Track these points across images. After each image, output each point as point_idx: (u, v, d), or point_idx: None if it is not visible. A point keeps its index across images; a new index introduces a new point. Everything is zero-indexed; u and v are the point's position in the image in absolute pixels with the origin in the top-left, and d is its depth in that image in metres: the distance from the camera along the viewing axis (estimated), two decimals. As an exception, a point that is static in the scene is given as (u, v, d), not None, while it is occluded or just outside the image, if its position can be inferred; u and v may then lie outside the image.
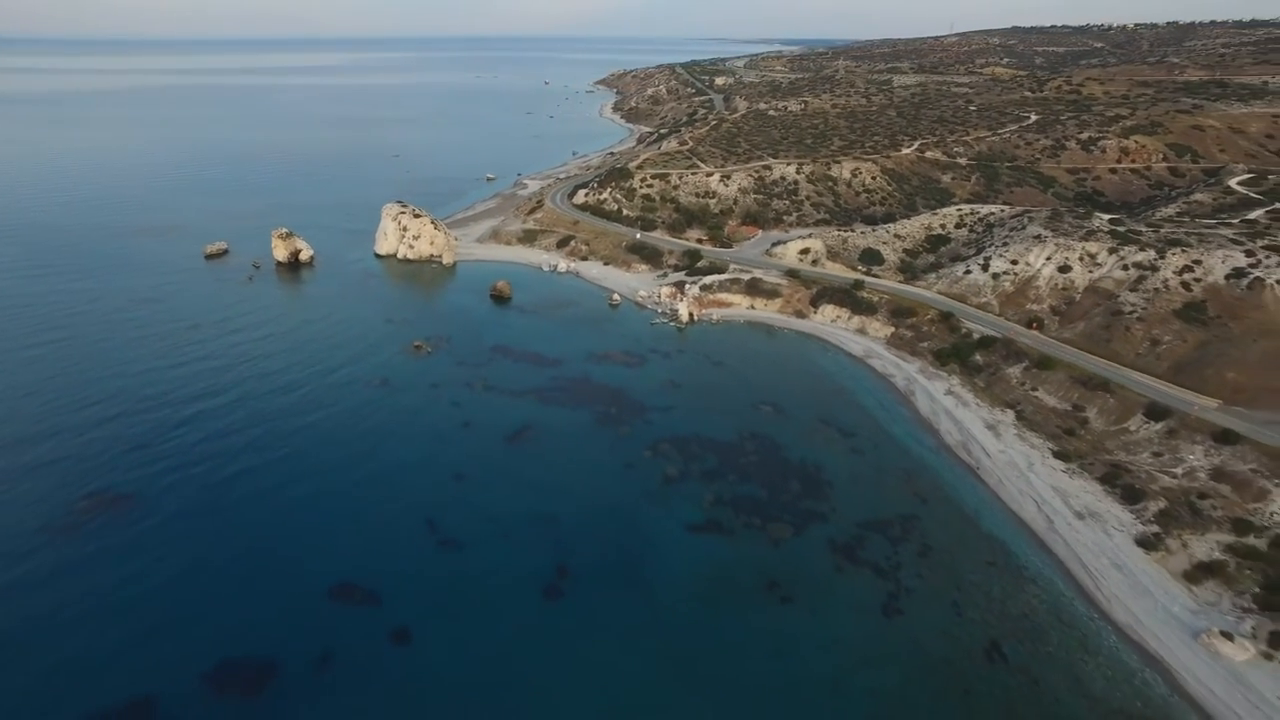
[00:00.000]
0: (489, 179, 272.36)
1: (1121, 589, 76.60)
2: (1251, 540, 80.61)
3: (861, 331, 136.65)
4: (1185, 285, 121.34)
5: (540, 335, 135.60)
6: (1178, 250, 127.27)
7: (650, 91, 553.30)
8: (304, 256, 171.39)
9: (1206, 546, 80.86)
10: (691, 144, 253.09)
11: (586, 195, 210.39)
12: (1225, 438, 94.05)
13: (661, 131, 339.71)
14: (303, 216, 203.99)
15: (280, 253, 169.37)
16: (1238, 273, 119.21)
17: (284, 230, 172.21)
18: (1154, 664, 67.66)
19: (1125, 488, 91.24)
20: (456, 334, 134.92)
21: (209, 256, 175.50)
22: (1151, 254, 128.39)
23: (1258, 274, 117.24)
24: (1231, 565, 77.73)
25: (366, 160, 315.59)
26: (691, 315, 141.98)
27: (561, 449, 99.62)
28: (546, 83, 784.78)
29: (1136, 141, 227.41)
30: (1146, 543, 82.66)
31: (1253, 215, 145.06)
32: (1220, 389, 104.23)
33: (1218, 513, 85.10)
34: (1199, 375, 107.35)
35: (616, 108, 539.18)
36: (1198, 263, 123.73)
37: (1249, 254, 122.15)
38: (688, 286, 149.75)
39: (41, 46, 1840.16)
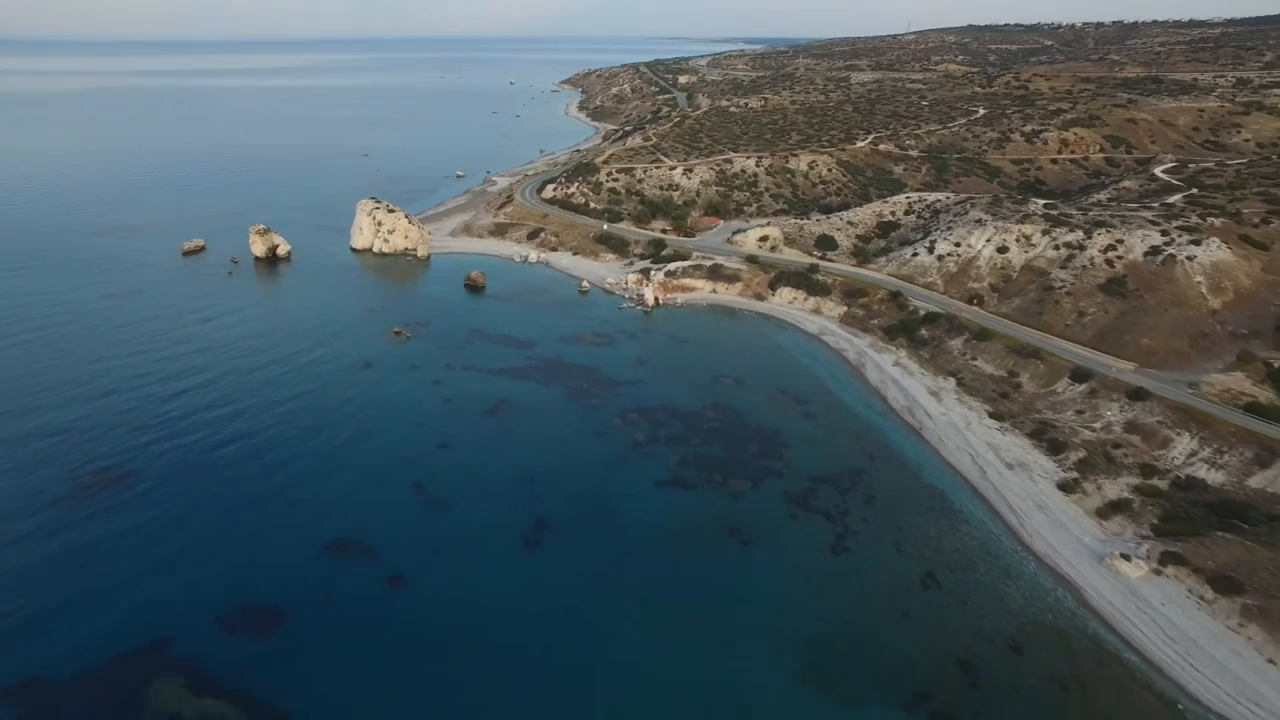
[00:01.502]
0: (459, 176, 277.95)
1: (1042, 526, 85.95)
2: (1155, 481, 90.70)
3: (816, 311, 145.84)
4: (1109, 262, 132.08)
5: (514, 320, 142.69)
6: (1103, 231, 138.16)
7: (615, 90, 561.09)
8: (281, 251, 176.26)
9: (1117, 488, 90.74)
10: (656, 140, 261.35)
11: (555, 189, 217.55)
12: (1137, 395, 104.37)
13: (626, 129, 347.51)
14: (276, 214, 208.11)
15: (258, 248, 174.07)
16: (1154, 250, 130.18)
17: (261, 226, 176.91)
18: (1065, 584, 76.93)
19: (1050, 441, 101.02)
20: (434, 320, 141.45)
21: (186, 253, 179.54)
22: (1080, 235, 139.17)
23: (1171, 251, 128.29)
24: (1136, 503, 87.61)
25: (336, 160, 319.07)
26: (657, 299, 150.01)
27: (537, 420, 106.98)
28: (511, 82, 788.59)
29: (1076, 134, 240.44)
30: (1066, 487, 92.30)
31: (1171, 200, 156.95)
32: (1136, 353, 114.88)
33: (1128, 459, 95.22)
34: (1118, 342, 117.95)
35: (582, 106, 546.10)
36: (1120, 242, 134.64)
37: (1164, 234, 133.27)
38: (653, 273, 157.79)
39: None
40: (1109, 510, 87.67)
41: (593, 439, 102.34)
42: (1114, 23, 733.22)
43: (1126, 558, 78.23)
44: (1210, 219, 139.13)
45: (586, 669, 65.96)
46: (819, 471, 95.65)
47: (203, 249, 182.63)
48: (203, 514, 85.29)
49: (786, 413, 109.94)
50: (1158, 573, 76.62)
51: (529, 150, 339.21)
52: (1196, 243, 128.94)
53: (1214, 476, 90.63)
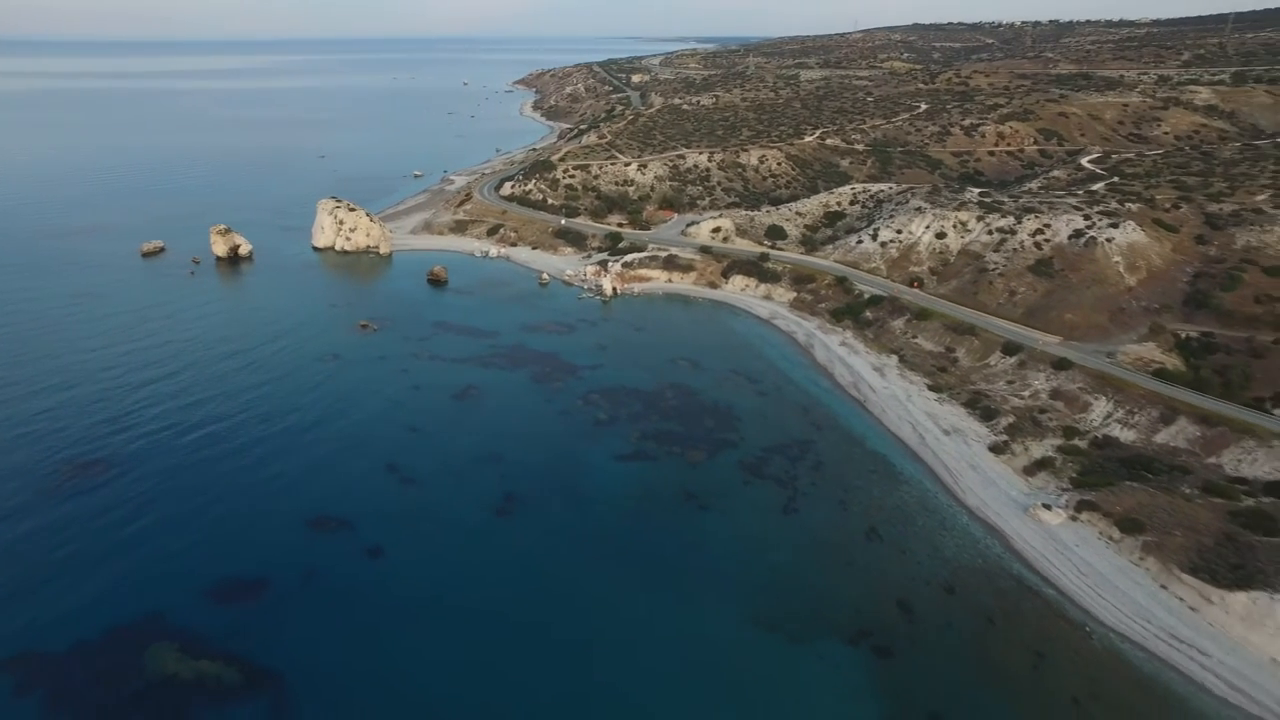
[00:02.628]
0: (416, 176, 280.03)
1: (974, 483, 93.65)
2: (1075, 441, 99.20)
3: (768, 297, 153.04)
4: (1037, 245, 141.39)
5: (477, 312, 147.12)
6: (1032, 216, 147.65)
7: (569, 90, 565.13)
8: (243, 251, 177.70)
9: (1042, 449, 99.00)
10: (610, 137, 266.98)
11: (513, 187, 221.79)
12: (1061, 365, 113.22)
13: (581, 127, 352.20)
14: (235, 216, 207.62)
15: (220, 248, 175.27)
16: (1077, 234, 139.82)
17: (222, 226, 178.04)
18: (994, 533, 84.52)
19: (984, 409, 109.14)
20: (399, 314, 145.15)
21: (146, 254, 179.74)
22: (1011, 220, 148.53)
23: (1092, 234, 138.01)
24: (1058, 460, 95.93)
25: (291, 161, 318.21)
26: (615, 289, 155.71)
27: (503, 403, 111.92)
28: (465, 83, 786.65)
29: (1011, 127, 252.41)
30: (996, 449, 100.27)
31: (1095, 187, 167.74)
32: (1060, 328, 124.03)
33: (1052, 423, 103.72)
34: (1045, 318, 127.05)
35: (536, 106, 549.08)
36: (1048, 226, 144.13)
37: (1086, 218, 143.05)
38: (611, 264, 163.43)
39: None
40: (1034, 468, 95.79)
41: (557, 419, 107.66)
42: (1051, 22, 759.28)
43: (1048, 507, 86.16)
44: (1128, 204, 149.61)
45: (557, 622, 71.18)
46: (770, 442, 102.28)
47: (162, 250, 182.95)
48: (183, 494, 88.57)
49: (740, 391, 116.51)
50: (1074, 519, 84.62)
51: (485, 150, 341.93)
52: (1115, 226, 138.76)
53: (1126, 435, 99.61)
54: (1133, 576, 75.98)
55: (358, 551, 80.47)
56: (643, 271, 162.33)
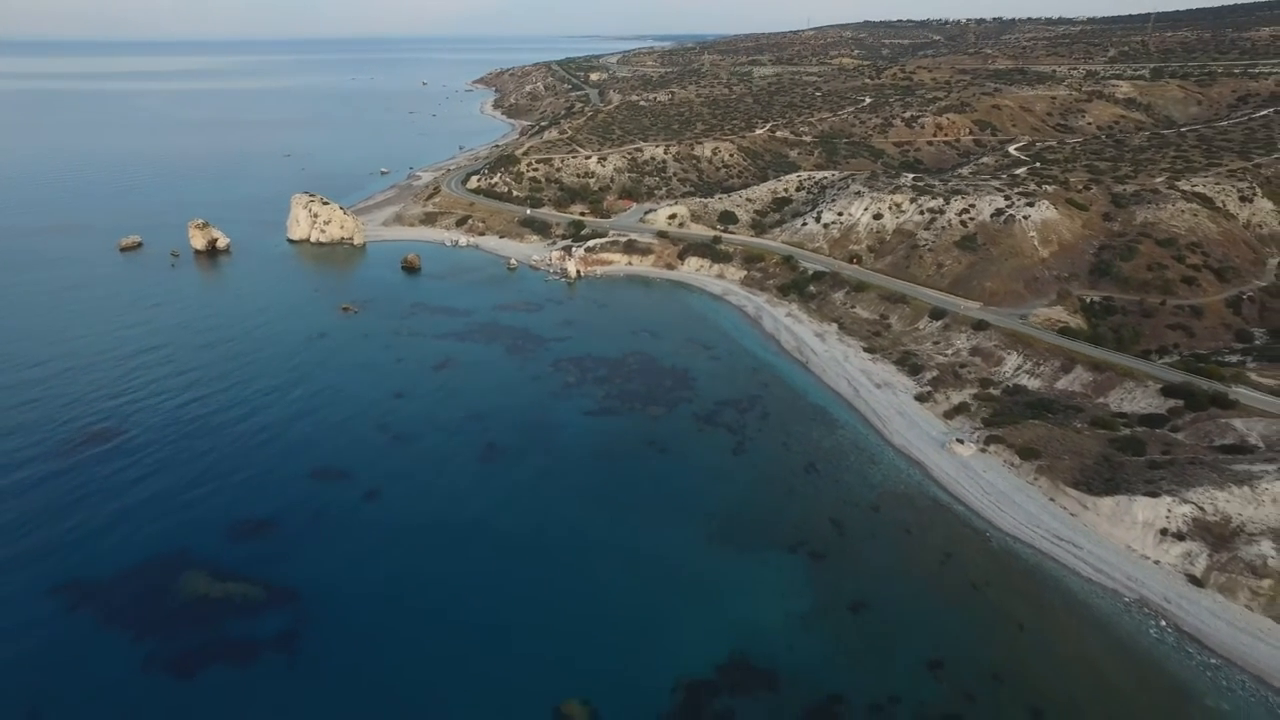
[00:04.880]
0: (383, 173, 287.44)
1: (901, 426, 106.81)
2: (990, 390, 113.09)
3: (720, 276, 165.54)
4: (963, 223, 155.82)
5: (451, 294, 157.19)
6: (959, 198, 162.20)
7: (529, 88, 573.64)
8: (221, 244, 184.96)
9: (961, 396, 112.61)
10: (571, 133, 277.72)
11: (479, 180, 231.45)
12: (980, 326, 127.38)
13: (543, 124, 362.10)
14: (207, 213, 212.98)
15: (198, 241, 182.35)
16: (999, 212, 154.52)
17: (200, 221, 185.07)
18: (916, 465, 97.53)
19: (912, 366, 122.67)
20: (378, 297, 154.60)
21: (124, 249, 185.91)
22: (941, 201, 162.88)
23: (1011, 212, 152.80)
24: (974, 406, 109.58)
25: (257, 160, 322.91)
26: (579, 272, 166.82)
27: (480, 371, 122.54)
28: (424, 83, 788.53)
29: (949, 119, 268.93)
30: (921, 398, 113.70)
31: (1018, 171, 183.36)
32: (981, 295, 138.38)
33: (971, 375, 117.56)
34: (968, 286, 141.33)
35: (497, 105, 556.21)
36: (973, 206, 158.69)
37: (1007, 199, 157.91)
38: (575, 249, 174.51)
39: None
40: (953, 412, 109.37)
41: (530, 383, 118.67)
42: (995, 19, 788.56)
43: (961, 442, 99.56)
44: (1045, 186, 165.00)
45: (537, 545, 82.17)
46: (722, 398, 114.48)
47: (140, 245, 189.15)
48: (195, 454, 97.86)
49: (695, 356, 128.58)
50: (983, 451, 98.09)
51: (448, 147, 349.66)
52: (1031, 205, 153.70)
53: (1032, 383, 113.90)
54: (1028, 493, 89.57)
55: (358, 495, 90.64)
56: (605, 255, 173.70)
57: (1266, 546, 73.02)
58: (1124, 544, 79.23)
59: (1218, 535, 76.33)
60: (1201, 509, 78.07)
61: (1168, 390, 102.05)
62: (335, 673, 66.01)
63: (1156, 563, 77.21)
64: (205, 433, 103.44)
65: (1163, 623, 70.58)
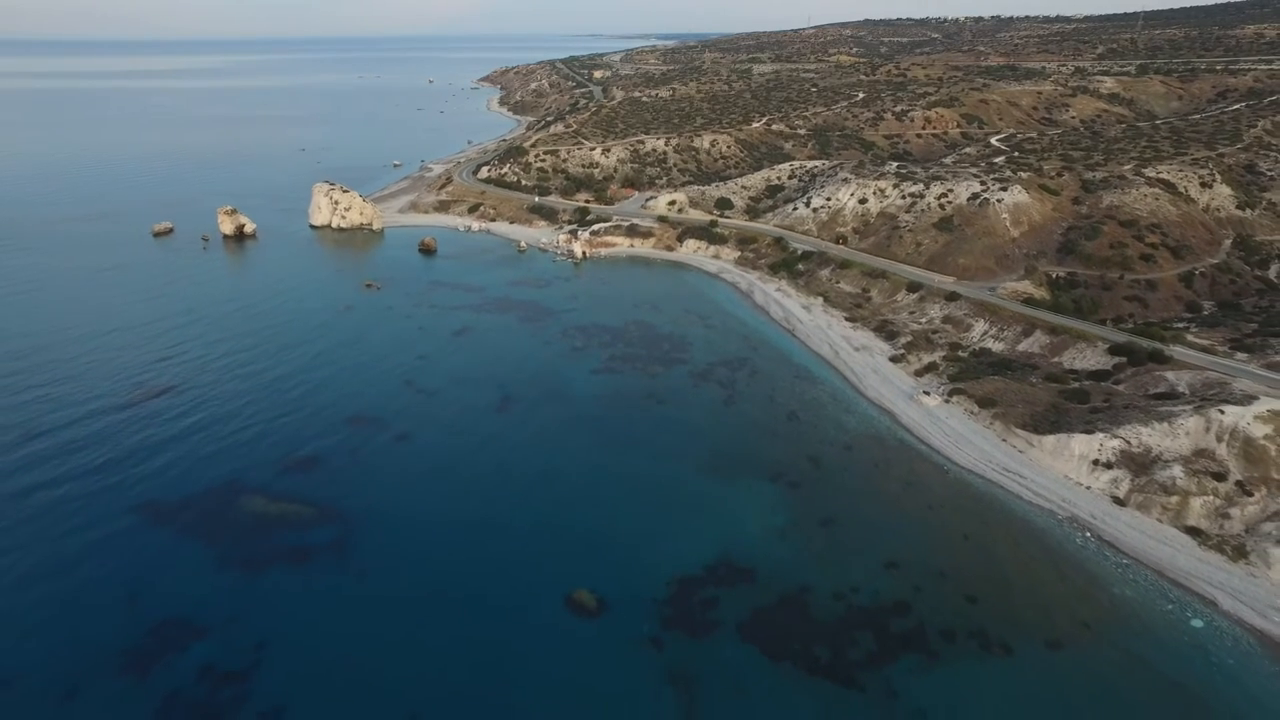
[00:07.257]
0: (396, 165, 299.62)
1: (875, 382, 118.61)
2: (958, 353, 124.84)
3: (716, 256, 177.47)
4: (941, 206, 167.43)
5: (466, 272, 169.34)
6: (938, 183, 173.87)
7: (533, 86, 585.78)
8: (248, 229, 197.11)
9: (931, 358, 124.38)
10: (576, 126, 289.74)
11: (489, 171, 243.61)
12: (952, 298, 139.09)
13: (549, 119, 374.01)
14: (231, 201, 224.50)
15: (227, 227, 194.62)
16: (974, 196, 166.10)
17: (229, 207, 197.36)
18: (886, 413, 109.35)
19: (888, 332, 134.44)
20: (398, 276, 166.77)
21: (157, 234, 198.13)
22: (921, 187, 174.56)
23: (986, 196, 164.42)
24: (942, 365, 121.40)
25: (273, 154, 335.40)
26: (584, 253, 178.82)
27: (496, 337, 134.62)
28: (430, 81, 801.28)
29: (938, 113, 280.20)
30: (895, 359, 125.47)
31: (997, 160, 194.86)
32: (956, 270, 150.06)
33: (942, 340, 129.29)
34: (943, 263, 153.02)
35: (503, 102, 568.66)
36: (951, 190, 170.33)
37: (982, 184, 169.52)
38: (580, 233, 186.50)
39: None
40: (923, 370, 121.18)
41: (541, 346, 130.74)
42: (993, 17, 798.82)
43: (928, 394, 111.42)
44: (1020, 173, 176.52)
45: (552, 473, 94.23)
46: (715, 359, 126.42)
47: (171, 230, 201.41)
48: (241, 404, 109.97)
49: (691, 325, 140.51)
50: (947, 402, 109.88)
51: (457, 141, 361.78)
52: (1004, 189, 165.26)
53: (997, 346, 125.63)
54: (983, 435, 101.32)
55: (390, 438, 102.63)
56: (609, 238, 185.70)
57: (1177, 470, 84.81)
58: (1062, 474, 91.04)
59: (1140, 463, 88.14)
60: (1128, 442, 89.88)
61: (1113, 349, 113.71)
62: (378, 571, 77.82)
63: (1088, 488, 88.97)
64: (250, 388, 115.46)
65: (1087, 534, 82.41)
